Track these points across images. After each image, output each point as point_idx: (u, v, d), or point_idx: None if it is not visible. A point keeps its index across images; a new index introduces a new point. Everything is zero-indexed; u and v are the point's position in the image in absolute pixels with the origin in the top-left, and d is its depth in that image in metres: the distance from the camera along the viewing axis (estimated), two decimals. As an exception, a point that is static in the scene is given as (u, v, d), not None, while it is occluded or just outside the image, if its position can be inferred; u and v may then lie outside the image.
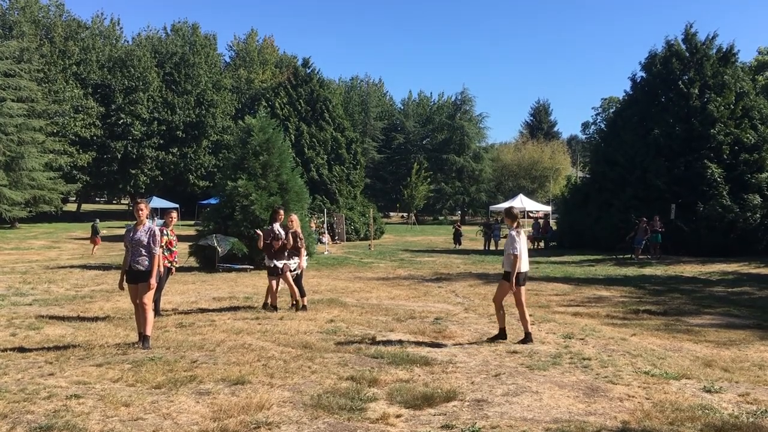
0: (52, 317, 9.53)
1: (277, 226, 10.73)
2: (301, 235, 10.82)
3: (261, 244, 10.62)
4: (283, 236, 10.49)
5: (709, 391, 5.82)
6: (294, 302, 10.52)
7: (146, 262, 7.44)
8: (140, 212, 7.51)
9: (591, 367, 6.62)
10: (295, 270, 10.59)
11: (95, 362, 6.56)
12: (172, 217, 10.37)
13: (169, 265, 9.77)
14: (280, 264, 10.33)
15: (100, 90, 52.28)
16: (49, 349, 7.23)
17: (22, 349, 7.23)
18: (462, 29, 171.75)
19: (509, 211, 8.08)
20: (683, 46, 27.98)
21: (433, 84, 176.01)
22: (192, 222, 40.56)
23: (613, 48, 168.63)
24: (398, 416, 4.96)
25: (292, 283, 10.46)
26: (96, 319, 9.42)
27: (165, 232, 9.59)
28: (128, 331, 8.35)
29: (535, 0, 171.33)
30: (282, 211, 11.13)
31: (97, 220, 28.16)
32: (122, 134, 52.11)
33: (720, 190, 24.42)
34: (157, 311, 9.60)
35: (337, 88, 68.55)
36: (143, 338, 7.40)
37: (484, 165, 69.89)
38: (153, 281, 7.44)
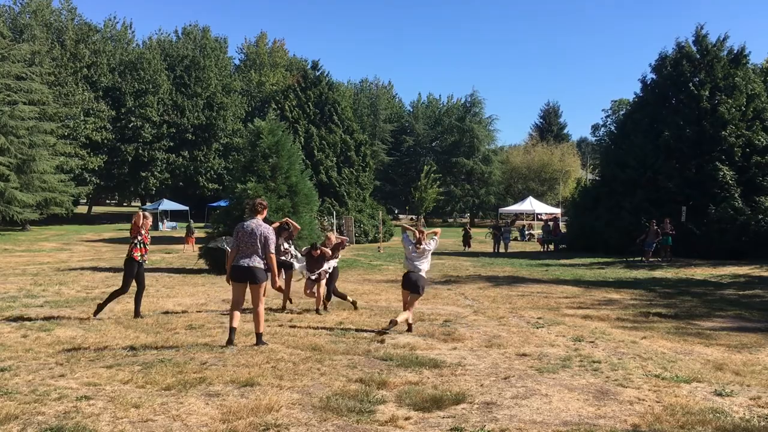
0: (62, 319, 9.58)
1: None
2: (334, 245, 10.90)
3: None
4: None
5: (720, 395, 5.77)
6: (284, 305, 10.73)
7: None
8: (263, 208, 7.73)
9: (601, 370, 6.59)
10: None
11: (105, 364, 6.59)
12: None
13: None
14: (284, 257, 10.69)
15: (111, 93, 52.60)
16: (59, 350, 7.28)
17: (32, 351, 7.27)
18: (471, 32, 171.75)
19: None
20: (694, 48, 27.82)
21: (443, 86, 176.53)
22: (202, 224, 40.77)
23: (623, 50, 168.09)
24: (407, 419, 4.95)
25: (283, 286, 10.69)
26: (106, 320, 9.46)
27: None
28: (138, 333, 8.39)
29: (544, 3, 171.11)
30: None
31: (192, 222, 29.87)
32: (133, 137, 52.40)
33: (731, 193, 24.27)
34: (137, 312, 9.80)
35: (346, 90, 68.57)
36: (258, 336, 7.56)
37: (493, 167, 69.73)
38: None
